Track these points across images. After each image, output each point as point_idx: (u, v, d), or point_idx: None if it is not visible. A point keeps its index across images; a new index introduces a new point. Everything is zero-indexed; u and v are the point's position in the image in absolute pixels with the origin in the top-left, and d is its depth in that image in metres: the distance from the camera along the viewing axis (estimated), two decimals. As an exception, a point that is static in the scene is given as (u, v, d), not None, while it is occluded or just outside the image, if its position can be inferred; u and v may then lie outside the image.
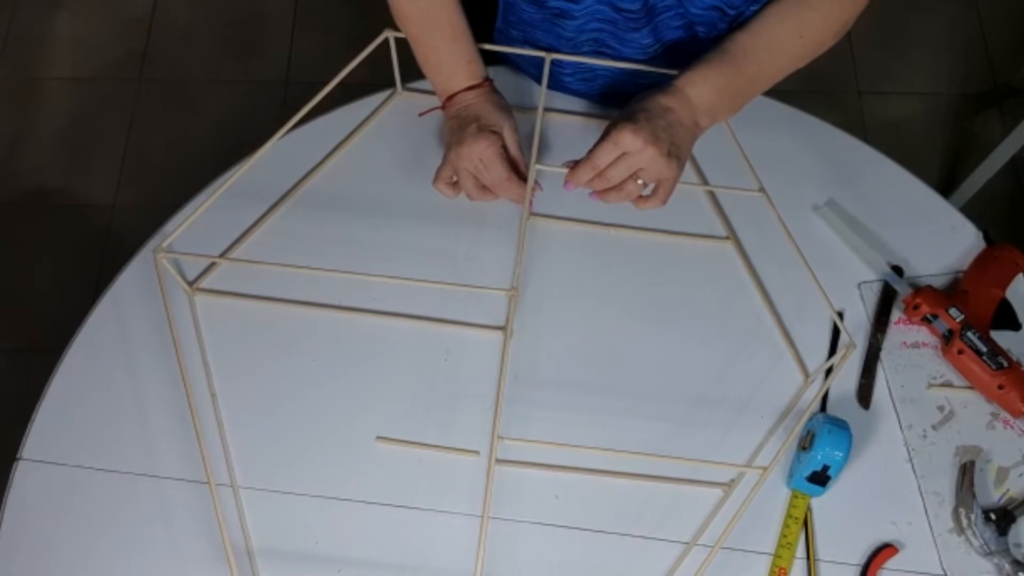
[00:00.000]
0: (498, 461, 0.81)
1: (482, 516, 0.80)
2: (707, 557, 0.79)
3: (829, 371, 0.88)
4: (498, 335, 0.90)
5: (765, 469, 0.80)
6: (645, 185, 0.83)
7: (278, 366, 0.89)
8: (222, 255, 0.93)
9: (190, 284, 0.92)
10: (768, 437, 0.86)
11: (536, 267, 0.93)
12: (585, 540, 0.82)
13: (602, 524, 0.83)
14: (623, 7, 0.88)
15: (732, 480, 0.84)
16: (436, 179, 0.92)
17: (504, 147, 0.91)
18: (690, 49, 0.91)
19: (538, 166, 0.89)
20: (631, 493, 0.84)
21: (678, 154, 0.81)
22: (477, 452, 0.84)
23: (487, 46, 0.95)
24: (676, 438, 0.86)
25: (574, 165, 0.83)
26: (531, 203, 0.92)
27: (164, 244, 0.89)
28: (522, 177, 0.92)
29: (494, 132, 0.89)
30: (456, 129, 0.91)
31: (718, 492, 0.84)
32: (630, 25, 0.90)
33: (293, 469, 0.84)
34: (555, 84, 1.01)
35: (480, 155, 0.88)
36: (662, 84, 0.83)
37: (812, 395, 0.87)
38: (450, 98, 0.92)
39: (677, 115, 0.81)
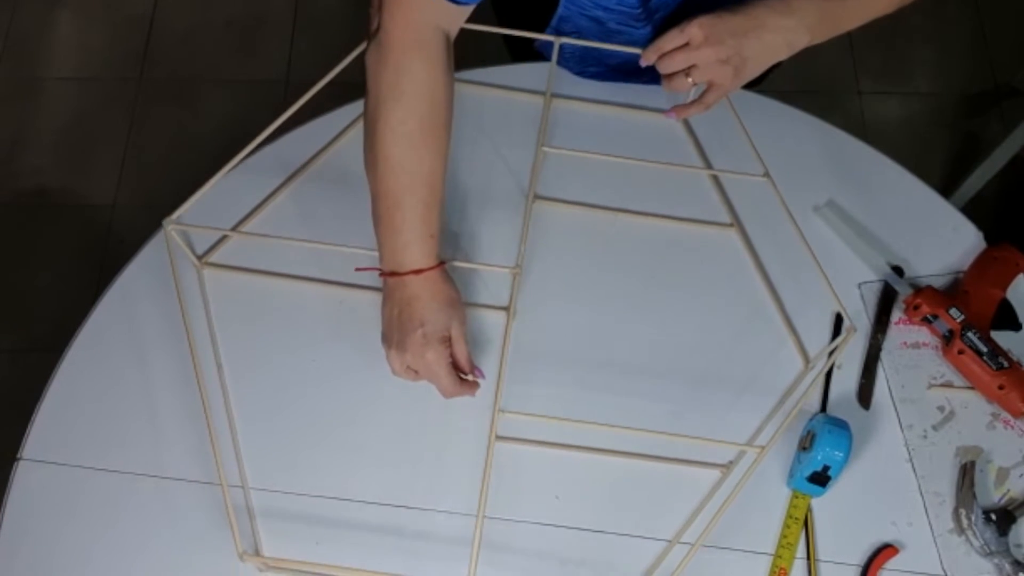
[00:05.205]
0: (498, 437, 0.81)
1: (480, 499, 0.79)
2: (702, 533, 0.79)
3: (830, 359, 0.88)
4: (501, 315, 0.90)
5: (763, 448, 0.81)
6: (695, 84, 0.80)
7: (285, 341, 0.89)
8: (233, 229, 0.93)
9: (199, 258, 0.92)
10: (767, 420, 0.86)
11: (539, 250, 0.93)
12: (584, 538, 0.82)
13: (602, 525, 0.83)
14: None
15: (730, 462, 0.84)
16: (394, 372, 0.82)
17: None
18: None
19: (545, 148, 0.89)
20: (630, 490, 0.84)
21: (740, 65, 0.78)
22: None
23: (474, 26, 0.89)
24: (676, 420, 0.86)
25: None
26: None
27: (174, 216, 0.89)
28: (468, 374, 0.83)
29: (441, 341, 0.80)
30: (397, 324, 0.80)
31: (716, 483, 0.84)
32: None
33: (293, 469, 0.84)
34: (595, 74, 1.00)
35: (425, 368, 0.80)
36: None
37: (812, 379, 0.87)
38: (394, 274, 0.80)
39: (764, 31, 0.78)
